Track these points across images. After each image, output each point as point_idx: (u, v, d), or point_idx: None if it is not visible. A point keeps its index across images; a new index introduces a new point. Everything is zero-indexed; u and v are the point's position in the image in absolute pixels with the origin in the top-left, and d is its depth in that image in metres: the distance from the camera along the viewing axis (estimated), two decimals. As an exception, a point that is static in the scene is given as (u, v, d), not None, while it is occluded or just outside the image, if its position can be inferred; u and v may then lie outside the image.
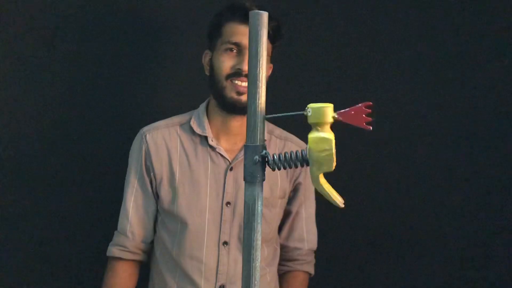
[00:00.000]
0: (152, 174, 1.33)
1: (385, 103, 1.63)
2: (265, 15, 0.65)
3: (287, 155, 0.70)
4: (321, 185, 0.69)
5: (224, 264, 1.28)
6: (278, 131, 1.42)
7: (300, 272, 1.42)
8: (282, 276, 1.43)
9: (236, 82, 1.27)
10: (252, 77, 0.65)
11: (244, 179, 0.69)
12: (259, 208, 0.68)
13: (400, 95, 1.64)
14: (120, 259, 1.33)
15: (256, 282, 0.64)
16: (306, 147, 0.68)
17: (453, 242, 1.66)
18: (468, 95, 1.64)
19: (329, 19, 1.63)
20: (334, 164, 0.68)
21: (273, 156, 0.70)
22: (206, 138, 1.33)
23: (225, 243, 1.29)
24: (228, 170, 1.32)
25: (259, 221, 0.66)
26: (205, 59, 1.35)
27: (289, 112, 0.70)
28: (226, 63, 1.27)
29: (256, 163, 0.68)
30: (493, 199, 1.65)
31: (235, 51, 1.28)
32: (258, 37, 0.64)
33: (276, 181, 1.36)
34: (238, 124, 1.34)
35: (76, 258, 1.55)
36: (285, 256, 1.43)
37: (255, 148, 0.68)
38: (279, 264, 1.43)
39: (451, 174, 1.65)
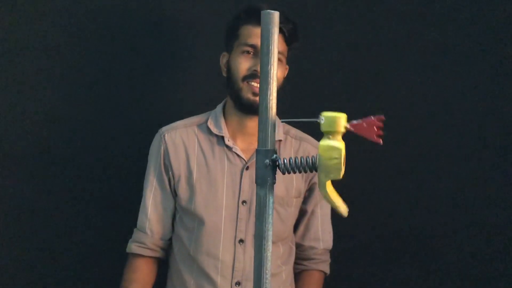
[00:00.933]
0: (170, 172, 1.36)
1: (398, 104, 1.64)
2: (276, 14, 0.67)
3: (297, 160, 0.72)
4: (327, 192, 0.71)
5: (240, 262, 1.30)
6: (294, 131, 1.44)
7: (316, 271, 1.43)
8: (298, 275, 1.45)
9: (252, 83, 1.29)
10: (263, 74, 0.68)
11: (256, 182, 0.72)
12: (270, 201, 0.71)
13: (413, 96, 1.65)
14: (139, 255, 1.36)
15: (267, 271, 0.67)
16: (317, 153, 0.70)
17: (467, 244, 1.65)
18: (486, 98, 1.63)
19: (344, 22, 1.65)
20: (342, 172, 0.69)
21: (284, 160, 0.72)
22: (222, 138, 1.36)
23: (241, 240, 1.32)
24: (244, 169, 1.34)
25: (270, 212, 0.68)
26: (222, 61, 1.38)
27: (303, 118, 0.72)
28: (243, 65, 1.30)
29: (267, 166, 0.71)
30: (509, 201, 1.64)
31: (251, 53, 1.31)
32: (270, 35, 0.67)
33: (291, 181, 1.38)
34: (254, 124, 1.36)
35: (97, 254, 1.59)
36: (301, 255, 1.44)
37: (266, 153, 0.70)
38: (295, 263, 1.44)
39: (466, 175, 1.65)
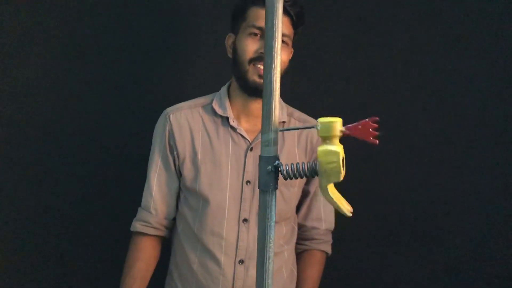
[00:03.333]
0: (175, 153, 1.37)
1: (399, 90, 1.65)
2: (280, -11, 0.68)
3: (298, 166, 0.74)
4: (329, 195, 0.72)
5: (244, 240, 1.32)
6: (297, 113, 1.45)
7: (317, 251, 1.45)
8: (300, 254, 1.47)
9: (259, 66, 1.30)
10: (268, 48, 0.69)
11: (258, 187, 0.74)
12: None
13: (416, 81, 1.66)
14: (143, 234, 1.39)
15: (271, 239, 0.68)
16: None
17: (470, 230, 1.67)
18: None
19: (347, 13, 1.66)
20: (342, 175, 0.71)
21: (286, 167, 0.74)
22: (227, 119, 1.37)
23: (245, 220, 1.33)
24: (249, 150, 1.36)
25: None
26: (228, 42, 1.38)
27: (304, 124, 0.72)
28: (250, 47, 1.30)
29: (270, 172, 0.73)
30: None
31: (258, 35, 1.31)
32: (274, 10, 0.67)
33: (294, 162, 1.38)
34: (259, 106, 1.37)
35: (101, 233, 1.62)
36: (303, 235, 1.46)
37: (268, 159, 0.73)
38: (297, 243, 1.46)
39: (470, 161, 1.66)
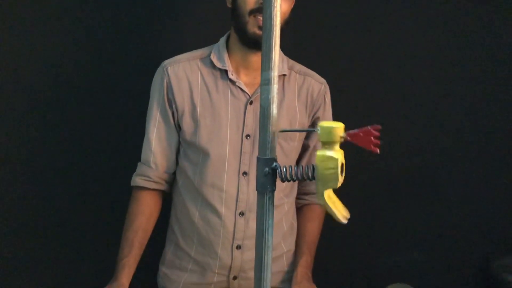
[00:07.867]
0: (174, 106, 1.35)
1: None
2: None
3: (296, 169, 0.72)
4: (325, 201, 0.70)
5: (244, 193, 1.32)
6: (298, 66, 1.43)
7: (317, 206, 1.46)
8: (300, 209, 1.47)
9: (259, 17, 1.26)
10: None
11: (256, 189, 0.73)
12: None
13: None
14: (143, 188, 1.38)
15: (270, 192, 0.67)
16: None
17: (468, 181, 1.68)
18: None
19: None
20: (340, 182, 0.69)
21: (283, 169, 0.72)
22: (226, 72, 1.34)
23: (245, 173, 1.33)
24: (248, 104, 1.34)
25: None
26: (227, -9, 1.35)
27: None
28: None
29: (267, 175, 0.72)
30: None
31: None
32: None
33: (295, 115, 1.38)
34: (259, 59, 1.33)
35: (101, 188, 1.61)
36: (303, 190, 1.47)
37: (266, 161, 0.71)
38: (297, 198, 1.47)
39: (469, 116, 1.66)
